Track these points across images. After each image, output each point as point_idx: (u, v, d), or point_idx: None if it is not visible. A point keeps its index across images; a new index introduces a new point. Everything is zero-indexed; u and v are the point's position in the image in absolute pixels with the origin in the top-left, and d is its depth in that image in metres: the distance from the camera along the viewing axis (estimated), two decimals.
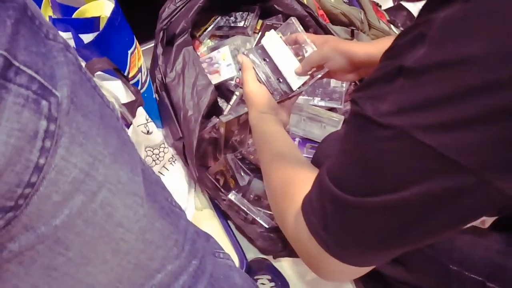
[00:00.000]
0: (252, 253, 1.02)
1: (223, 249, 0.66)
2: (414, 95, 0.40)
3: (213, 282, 0.58)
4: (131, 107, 0.79)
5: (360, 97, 0.45)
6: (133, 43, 0.91)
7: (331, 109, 1.08)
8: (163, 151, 0.98)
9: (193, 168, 0.97)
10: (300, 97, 1.06)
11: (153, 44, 1.09)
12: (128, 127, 0.77)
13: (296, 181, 0.60)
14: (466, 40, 0.38)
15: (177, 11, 1.05)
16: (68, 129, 0.34)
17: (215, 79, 1.07)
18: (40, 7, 0.92)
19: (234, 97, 1.02)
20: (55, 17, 0.90)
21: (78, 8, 0.91)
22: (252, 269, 1.05)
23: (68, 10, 0.91)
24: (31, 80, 0.31)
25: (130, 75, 0.91)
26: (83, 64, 0.83)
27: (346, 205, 0.47)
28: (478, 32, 0.37)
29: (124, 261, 0.44)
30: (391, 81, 0.42)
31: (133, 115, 0.77)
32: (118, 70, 0.84)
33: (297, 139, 1.07)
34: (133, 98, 0.83)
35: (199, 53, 1.14)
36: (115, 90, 0.84)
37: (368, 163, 0.45)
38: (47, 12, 0.91)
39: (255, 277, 1.05)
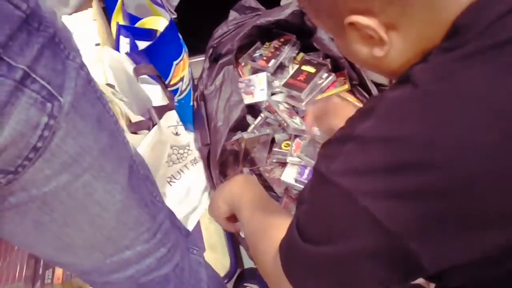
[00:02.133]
0: (252, 264, 1.10)
1: (198, 247, 0.78)
2: (358, 160, 0.45)
3: (177, 271, 0.69)
4: (161, 110, 0.92)
5: (319, 154, 0.52)
6: (180, 56, 1.06)
7: None
8: (187, 152, 1.11)
9: (214, 172, 1.09)
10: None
11: (203, 58, 1.23)
12: (153, 127, 0.91)
13: (277, 224, 0.63)
14: (405, 120, 0.44)
15: (227, 33, 1.18)
16: (65, 125, 0.46)
17: (248, 100, 1.19)
18: (112, 13, 1.08)
19: (259, 118, 1.14)
20: (122, 23, 1.06)
21: (142, 19, 1.07)
22: (244, 276, 1.14)
23: (134, 19, 1.08)
24: (42, 88, 0.43)
25: (172, 83, 1.05)
26: (132, 67, 0.99)
27: (299, 250, 0.51)
28: (416, 115, 0.43)
29: (98, 233, 0.56)
30: (343, 144, 0.47)
31: (160, 117, 0.91)
32: (160, 77, 0.98)
33: (308, 169, 1.15)
34: (167, 102, 0.96)
35: (241, 73, 1.27)
36: (152, 93, 0.98)
37: (317, 214, 0.50)
38: (117, 18, 1.07)
39: (244, 284, 1.15)
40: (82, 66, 0.49)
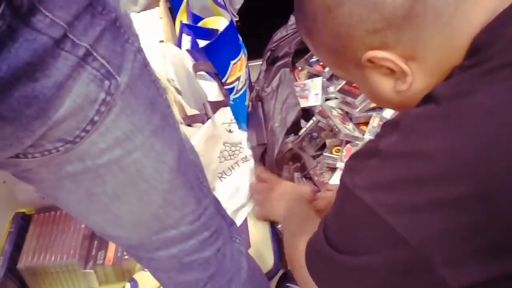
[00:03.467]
0: None
1: (241, 237, 0.79)
2: (381, 175, 0.47)
3: (219, 256, 0.71)
4: (215, 105, 0.96)
5: (346, 165, 0.53)
6: (238, 56, 1.09)
7: None
8: (239, 150, 1.14)
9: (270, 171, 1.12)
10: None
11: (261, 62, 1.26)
12: (206, 120, 0.94)
13: (312, 222, 0.67)
14: (427, 136, 0.45)
15: (286, 37, 1.21)
16: (121, 103, 0.50)
17: (303, 103, 1.20)
18: (177, 12, 1.14)
19: (311, 121, 1.14)
20: (186, 22, 1.12)
21: (204, 18, 1.12)
22: (287, 276, 1.15)
23: (197, 19, 1.13)
24: (102, 66, 0.47)
25: (228, 81, 1.09)
26: (192, 63, 1.03)
27: (323, 251, 0.54)
28: (438, 131, 0.45)
29: (145, 209, 0.59)
30: (367, 158, 0.49)
31: (214, 112, 0.94)
32: (217, 75, 1.02)
33: None
34: (222, 99, 1.00)
35: (297, 78, 1.28)
36: (209, 89, 1.02)
37: (341, 224, 0.52)
38: (181, 18, 1.13)
39: (287, 284, 1.15)
40: (140, 50, 0.53)
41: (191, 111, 0.97)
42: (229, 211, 1.14)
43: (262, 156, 1.14)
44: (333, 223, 0.54)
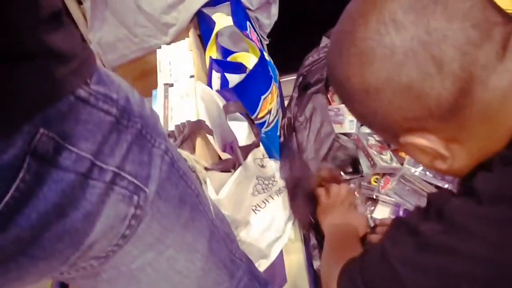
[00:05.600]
0: None
1: None
2: (417, 257, 0.49)
3: None
4: (246, 149, 0.94)
5: (389, 231, 0.55)
6: (268, 90, 1.07)
7: (438, 187, 1.09)
8: (272, 183, 1.13)
9: (296, 210, 1.10)
10: (413, 168, 1.10)
11: (295, 77, 1.23)
12: (238, 166, 0.93)
13: (350, 250, 0.73)
14: (467, 236, 0.45)
15: (317, 62, 1.17)
16: (150, 212, 0.49)
17: (337, 129, 1.17)
18: (208, 40, 1.12)
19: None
20: (215, 57, 1.10)
21: (234, 52, 1.10)
22: None
23: (226, 52, 1.10)
24: (130, 184, 0.46)
25: (259, 116, 1.07)
26: (222, 103, 1.02)
27: (355, 283, 0.57)
28: (479, 233, 0.45)
29: None
30: (408, 235, 0.50)
31: (245, 157, 0.93)
32: (247, 114, 1.00)
33: (402, 209, 1.11)
34: (252, 140, 0.98)
35: (331, 100, 1.25)
36: (240, 129, 1.00)
37: (375, 276, 0.55)
38: (211, 52, 1.11)
39: None
40: (167, 151, 0.52)
41: (223, 155, 0.97)
42: (263, 244, 1.14)
43: (293, 190, 1.12)
44: (369, 267, 0.57)
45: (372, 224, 1.11)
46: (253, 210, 1.14)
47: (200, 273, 0.59)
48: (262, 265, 1.15)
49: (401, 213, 1.08)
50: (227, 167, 0.93)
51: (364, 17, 0.46)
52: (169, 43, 1.22)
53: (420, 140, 0.48)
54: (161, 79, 1.13)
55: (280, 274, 1.13)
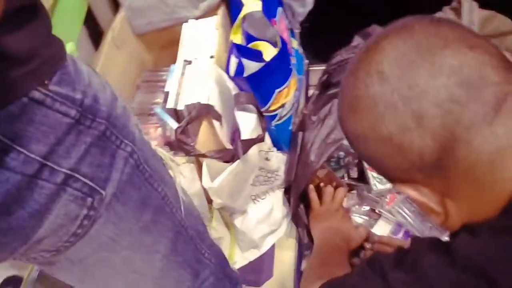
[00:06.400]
0: None
1: None
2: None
3: None
4: (249, 143, 0.93)
5: (365, 263, 0.54)
6: (284, 84, 1.04)
7: None
8: (275, 177, 1.11)
9: (290, 208, 1.09)
10: None
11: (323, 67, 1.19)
12: (236, 159, 0.92)
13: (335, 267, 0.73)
14: None
15: (343, 62, 1.12)
16: (106, 214, 0.49)
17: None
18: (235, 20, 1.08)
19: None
20: (237, 41, 1.07)
21: (257, 40, 1.07)
22: None
23: (250, 38, 1.08)
24: (84, 185, 0.46)
25: (271, 109, 1.04)
26: (234, 91, 1.00)
27: None
28: None
29: None
30: (378, 276, 0.50)
31: (245, 151, 0.91)
32: (257, 107, 0.98)
33: (403, 230, 1.08)
34: (258, 133, 0.97)
35: None
36: (247, 120, 0.99)
37: None
38: (235, 34, 1.08)
39: None
40: (132, 153, 0.51)
41: (227, 144, 0.96)
42: (257, 235, 1.14)
43: (287, 189, 1.11)
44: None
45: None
46: (253, 200, 1.13)
47: (159, 273, 0.60)
48: (252, 255, 1.15)
49: (401, 234, 1.05)
50: (225, 157, 0.92)
51: (357, 66, 0.47)
52: (198, 17, 1.20)
53: (413, 192, 0.47)
54: (182, 54, 1.11)
55: (268, 267, 1.13)
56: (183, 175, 0.85)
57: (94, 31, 1.26)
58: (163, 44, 1.31)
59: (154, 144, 1.05)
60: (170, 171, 0.62)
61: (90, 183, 0.46)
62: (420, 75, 0.43)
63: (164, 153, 0.59)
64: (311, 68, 1.40)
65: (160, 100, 1.11)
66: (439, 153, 0.43)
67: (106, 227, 0.50)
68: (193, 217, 0.67)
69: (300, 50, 1.28)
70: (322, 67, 1.26)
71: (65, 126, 0.43)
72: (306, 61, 1.35)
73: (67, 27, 1.11)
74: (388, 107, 0.44)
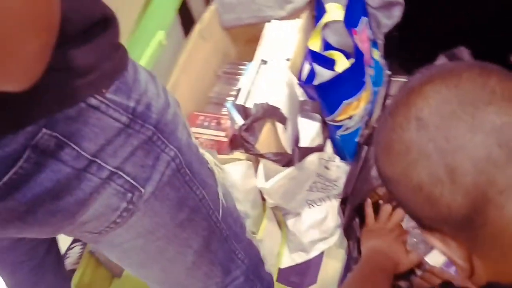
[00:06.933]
0: None
1: None
2: None
3: None
4: (306, 151, 0.94)
5: None
6: (354, 96, 1.03)
7: None
8: (332, 186, 1.12)
9: (344, 219, 1.09)
10: None
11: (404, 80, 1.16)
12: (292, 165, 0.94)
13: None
14: None
15: None
16: (144, 208, 0.54)
17: None
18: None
19: None
20: (313, 48, 1.08)
21: (334, 49, 1.07)
22: None
23: (328, 46, 1.08)
24: (126, 182, 0.51)
25: (337, 119, 1.04)
26: (302, 98, 1.01)
27: None
28: None
29: (169, 277, 0.66)
30: None
31: (301, 159, 0.93)
32: (322, 118, 0.98)
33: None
34: (318, 142, 0.98)
35: None
36: (309, 128, 1.00)
37: None
38: (312, 41, 1.09)
39: None
40: (175, 157, 0.55)
41: (287, 148, 0.98)
42: (307, 240, 1.15)
43: (344, 200, 1.10)
44: None
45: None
46: (308, 204, 1.15)
47: (190, 265, 0.64)
48: (299, 257, 1.17)
49: (454, 268, 1.01)
50: (282, 161, 0.94)
51: (396, 107, 0.46)
52: (283, 18, 1.22)
53: (439, 244, 0.47)
54: (259, 53, 1.15)
55: (313, 273, 1.14)
56: (227, 178, 0.88)
57: (187, 20, 1.33)
58: (249, 38, 1.35)
59: (215, 136, 1.11)
60: (215, 173, 0.65)
61: (132, 181, 0.51)
62: (459, 128, 0.41)
63: (211, 158, 0.62)
64: (393, 79, 1.36)
65: (235, 93, 1.16)
66: (468, 211, 0.42)
67: (143, 220, 0.55)
68: (232, 219, 0.70)
69: (382, 62, 1.25)
70: (404, 79, 1.23)
71: (115, 130, 0.48)
72: (388, 72, 1.32)
73: (161, 16, 1.18)
74: (422, 156, 0.43)
